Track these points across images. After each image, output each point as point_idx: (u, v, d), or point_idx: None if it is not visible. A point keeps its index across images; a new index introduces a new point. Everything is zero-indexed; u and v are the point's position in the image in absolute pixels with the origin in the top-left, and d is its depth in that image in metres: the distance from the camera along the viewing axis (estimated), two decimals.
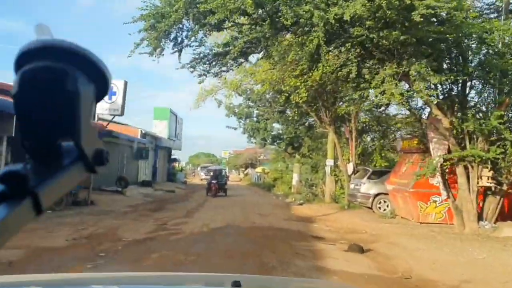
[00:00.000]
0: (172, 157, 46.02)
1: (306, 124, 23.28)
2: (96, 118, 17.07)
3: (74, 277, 2.66)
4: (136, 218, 13.63)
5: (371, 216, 15.34)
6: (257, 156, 64.46)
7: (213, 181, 23.33)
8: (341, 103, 17.33)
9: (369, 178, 16.00)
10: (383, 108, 13.73)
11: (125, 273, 4.34)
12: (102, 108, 16.75)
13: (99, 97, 0.60)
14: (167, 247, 8.66)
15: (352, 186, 16.90)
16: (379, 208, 15.65)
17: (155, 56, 9.58)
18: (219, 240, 9.56)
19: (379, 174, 16.20)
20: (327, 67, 9.92)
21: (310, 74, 11.12)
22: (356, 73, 8.90)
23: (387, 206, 15.59)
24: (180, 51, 9.79)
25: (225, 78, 17.42)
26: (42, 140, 0.56)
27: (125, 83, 17.05)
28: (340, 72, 9.67)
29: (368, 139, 20.19)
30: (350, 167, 18.09)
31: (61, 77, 0.54)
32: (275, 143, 33.69)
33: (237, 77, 16.91)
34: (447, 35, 8.94)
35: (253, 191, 36.26)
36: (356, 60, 8.65)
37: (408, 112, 12.65)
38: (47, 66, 0.54)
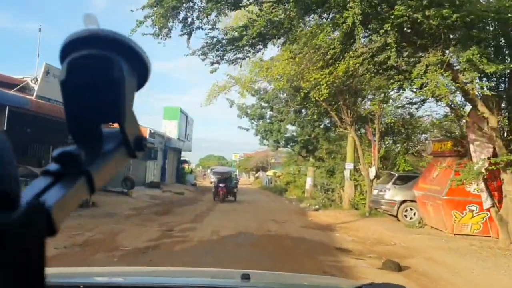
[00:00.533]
0: (182, 158, 45.04)
1: (323, 125, 21.93)
2: None
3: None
4: (139, 222, 12.45)
5: (396, 225, 13.97)
6: (268, 159, 63.35)
7: (221, 185, 21.08)
8: (364, 101, 16.01)
9: (394, 183, 14.64)
10: (415, 106, 12.35)
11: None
12: None
13: (140, 85, 0.63)
14: (170, 259, 7.45)
15: (375, 192, 15.54)
16: (405, 216, 14.28)
17: (161, 38, 8.39)
18: (231, 252, 8.30)
19: (405, 180, 14.83)
20: (358, 57, 8.68)
21: (336, 65, 9.84)
22: (396, 60, 7.61)
23: (414, 214, 14.22)
24: (190, 34, 8.58)
25: (238, 78, 16.24)
26: (88, 124, 0.58)
27: None
28: (376, 59, 8.39)
29: (390, 142, 18.76)
30: (372, 172, 16.74)
31: (107, 65, 0.56)
32: (289, 146, 32.36)
33: (252, 73, 15.65)
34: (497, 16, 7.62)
35: (264, 195, 35.00)
36: (395, 45, 7.36)
37: (437, 112, 11.28)
38: (93, 54, 0.56)
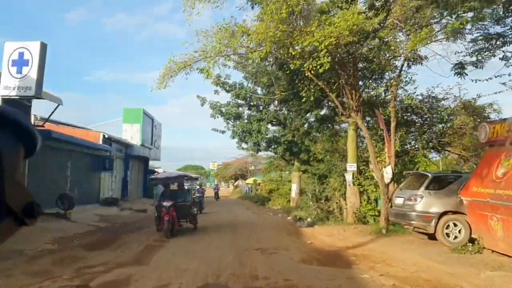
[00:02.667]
0: (152, 169, 39.99)
1: (316, 116, 17.39)
2: None
3: None
4: (45, 268, 7.74)
5: (437, 249, 9.67)
6: (247, 166, 59.34)
7: (166, 203, 11.96)
8: (374, 77, 11.70)
9: (428, 188, 10.31)
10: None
11: None
12: (7, 87, 10.70)
13: (29, 153, 0.64)
14: None
15: (398, 201, 11.17)
16: (447, 235, 9.97)
17: None
18: None
19: (444, 182, 10.59)
20: None
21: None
22: None
23: (459, 231, 9.93)
24: None
25: (204, 50, 11.72)
26: None
27: (43, 46, 10.91)
28: None
29: (405, 133, 14.48)
30: (388, 172, 12.42)
31: None
32: (271, 149, 27.92)
33: (221, 42, 11.10)
34: None
35: (245, 206, 30.44)
36: None
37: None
38: None
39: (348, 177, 14.98)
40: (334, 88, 12.07)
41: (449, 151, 14.19)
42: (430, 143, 13.77)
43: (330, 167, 16.61)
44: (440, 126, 13.99)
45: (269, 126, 27.81)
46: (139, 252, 9.63)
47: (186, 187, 16.75)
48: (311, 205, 19.46)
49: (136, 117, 29.56)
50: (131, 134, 29.19)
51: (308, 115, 24.73)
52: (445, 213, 10.05)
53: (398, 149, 13.04)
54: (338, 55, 10.82)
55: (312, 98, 11.22)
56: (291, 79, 13.84)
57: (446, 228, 10.01)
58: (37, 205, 0.64)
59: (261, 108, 27.63)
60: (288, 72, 12.97)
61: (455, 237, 9.94)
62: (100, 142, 23.50)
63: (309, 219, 17.33)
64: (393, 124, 12.03)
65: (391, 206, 11.90)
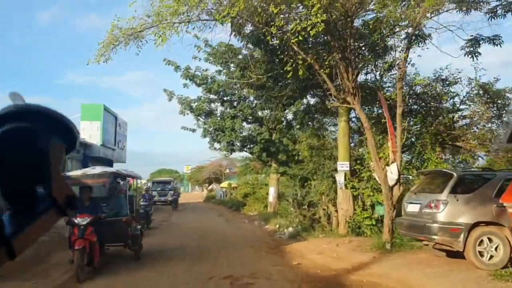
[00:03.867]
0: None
1: (295, 108, 14.63)
2: None
3: None
4: None
5: (468, 273, 7.15)
6: (222, 169, 56.54)
7: (80, 221, 7.25)
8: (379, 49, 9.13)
9: (454, 191, 7.77)
10: None
11: None
12: None
13: (68, 149, 0.72)
14: None
15: (411, 208, 8.56)
16: (481, 254, 7.46)
17: None
18: None
19: (474, 183, 8.08)
20: None
21: None
22: None
23: (496, 249, 7.45)
24: None
25: (157, 12, 8.90)
26: (19, 189, 0.65)
27: None
28: None
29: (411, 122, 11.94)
30: (393, 171, 9.83)
31: (32, 136, 0.65)
32: (246, 148, 25.20)
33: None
34: None
35: (217, 213, 27.63)
36: None
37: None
38: (19, 127, 0.64)
39: (339, 178, 12.40)
40: (325, 65, 9.45)
41: (458, 146, 11.83)
42: (439, 136, 11.34)
43: (316, 167, 13.99)
44: (450, 116, 11.61)
45: (245, 124, 25.20)
46: None
47: (147, 193, 13.23)
48: (292, 212, 16.86)
49: (96, 114, 26.29)
50: (90, 132, 25.90)
51: (287, 111, 22.34)
52: (476, 224, 7.55)
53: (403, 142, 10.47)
54: (334, 15, 8.24)
55: (301, 72, 8.56)
56: (270, 58, 11.19)
57: (479, 244, 7.50)
58: (76, 198, 0.71)
59: (235, 104, 24.93)
60: (266, 48, 10.34)
61: (491, 257, 7.44)
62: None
63: (290, 229, 14.71)
64: (399, 111, 9.48)
65: (399, 215, 9.34)
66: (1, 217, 0.61)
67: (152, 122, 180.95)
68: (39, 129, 0.64)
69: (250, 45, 11.22)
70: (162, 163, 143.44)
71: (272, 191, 25.21)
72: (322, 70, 9.37)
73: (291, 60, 8.82)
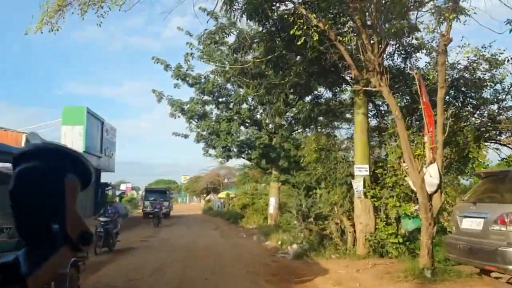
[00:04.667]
0: (107, 182, 34.04)
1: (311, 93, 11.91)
2: None
3: None
4: None
5: None
6: (220, 179, 54.11)
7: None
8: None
9: None
10: None
11: None
12: None
13: (84, 186, 0.74)
14: None
15: (469, 223, 6.15)
16: None
17: None
18: None
19: None
20: None
21: None
22: None
23: None
24: None
25: None
26: (34, 226, 0.65)
27: None
28: None
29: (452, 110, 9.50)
30: (432, 175, 7.44)
31: (48, 174, 0.66)
32: (243, 154, 22.84)
33: None
34: None
35: (213, 225, 25.16)
36: None
37: None
38: (36, 166, 0.65)
39: (357, 185, 10.03)
40: (344, 33, 7.13)
41: (502, 143, 9.50)
42: (483, 130, 9.02)
43: (325, 172, 11.61)
44: (496, 106, 9.33)
45: (242, 128, 22.89)
46: None
47: (111, 206, 10.95)
48: (296, 225, 14.47)
49: (79, 117, 23.93)
50: (72, 138, 23.54)
51: (288, 112, 20.05)
52: None
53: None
54: None
55: (315, 38, 6.29)
56: (270, 36, 8.87)
57: None
58: (91, 234, 0.71)
59: (231, 105, 22.61)
60: (267, 20, 8.02)
61: None
62: (23, 145, 17.89)
63: (295, 246, 12.36)
64: (440, 94, 7.09)
65: (447, 233, 6.94)
66: (18, 256, 0.62)
67: (151, 133, 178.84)
68: (54, 167, 0.66)
69: (244, 18, 8.92)
70: (161, 174, 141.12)
71: (272, 202, 22.84)
72: (339, 40, 7.05)
73: (302, 27, 6.51)
